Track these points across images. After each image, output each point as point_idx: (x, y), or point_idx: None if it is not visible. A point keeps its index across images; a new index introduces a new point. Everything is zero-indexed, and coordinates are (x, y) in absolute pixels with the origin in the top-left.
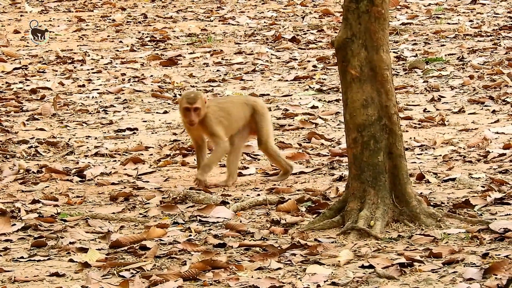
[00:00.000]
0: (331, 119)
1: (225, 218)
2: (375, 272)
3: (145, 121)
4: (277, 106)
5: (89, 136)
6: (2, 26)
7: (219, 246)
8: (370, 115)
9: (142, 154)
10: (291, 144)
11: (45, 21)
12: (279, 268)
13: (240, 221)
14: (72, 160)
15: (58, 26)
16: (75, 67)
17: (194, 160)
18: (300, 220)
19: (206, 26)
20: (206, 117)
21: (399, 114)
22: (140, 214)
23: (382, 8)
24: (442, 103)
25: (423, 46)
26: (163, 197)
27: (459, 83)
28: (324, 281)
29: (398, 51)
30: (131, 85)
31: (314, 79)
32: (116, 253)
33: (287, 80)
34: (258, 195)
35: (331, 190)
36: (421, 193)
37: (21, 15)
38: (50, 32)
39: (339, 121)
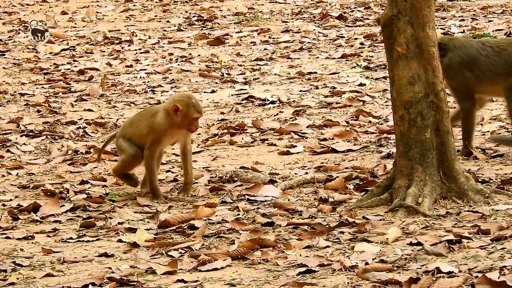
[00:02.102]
0: (378, 97)
1: (273, 196)
2: (423, 249)
3: None
4: (324, 84)
5: None
6: (49, 7)
7: (267, 225)
8: (417, 92)
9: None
10: (339, 122)
11: (92, 1)
12: (327, 246)
13: (288, 200)
14: None
15: (106, 6)
16: (122, 48)
17: (242, 139)
18: (348, 198)
19: (253, 4)
20: None
21: (445, 90)
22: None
23: None
24: None
25: (470, 22)
26: (211, 176)
27: None
28: (372, 259)
29: (445, 27)
30: (178, 64)
31: (361, 56)
32: (165, 233)
33: (334, 58)
34: (306, 173)
35: (378, 168)
36: (469, 169)
37: None
38: (97, 13)
39: (387, 98)
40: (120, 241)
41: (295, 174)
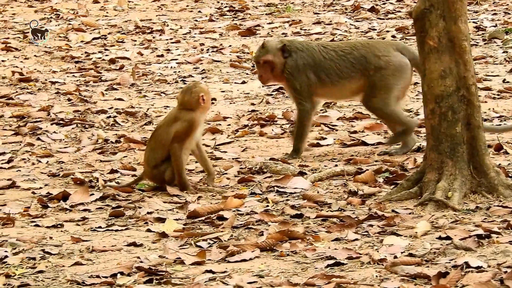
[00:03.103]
0: (409, 90)
1: (302, 188)
2: (453, 244)
3: (223, 91)
4: None
5: (167, 106)
6: None
7: (296, 217)
8: (448, 86)
9: (220, 124)
10: (369, 115)
11: None
12: (356, 239)
13: (318, 192)
14: (150, 130)
15: None
16: (154, 37)
17: (272, 130)
18: (377, 191)
19: None
20: None
21: (477, 84)
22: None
23: None
24: None
25: (503, 16)
26: (241, 167)
27: None
28: (401, 252)
29: (478, 21)
30: (209, 55)
31: None
32: (194, 223)
33: None
34: (336, 165)
35: (408, 161)
36: (499, 164)
37: None
38: (129, 2)
39: (418, 91)
40: (149, 230)
41: (325, 166)
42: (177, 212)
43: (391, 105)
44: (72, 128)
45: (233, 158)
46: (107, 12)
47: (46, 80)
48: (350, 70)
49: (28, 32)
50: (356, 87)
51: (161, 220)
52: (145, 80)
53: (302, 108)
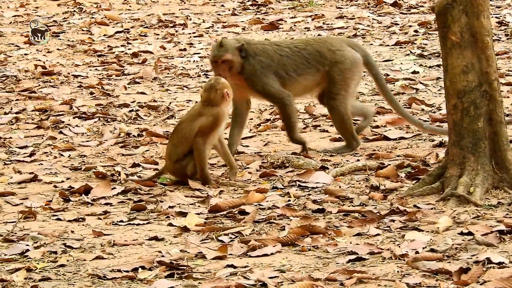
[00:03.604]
0: (431, 85)
1: (324, 183)
2: (474, 239)
3: None
4: None
5: (189, 100)
6: None
7: (318, 212)
8: (470, 81)
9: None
10: (391, 109)
11: None
12: (378, 234)
13: (339, 187)
14: (172, 124)
15: None
16: (176, 31)
17: None
18: (399, 186)
19: None
20: None
21: (499, 80)
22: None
23: None
24: None
25: None
26: (263, 161)
27: None
28: (423, 248)
29: (500, 16)
30: None
31: (415, 44)
32: (215, 217)
33: (388, 45)
34: (358, 160)
35: (430, 156)
36: None
37: None
38: None
39: (440, 86)
40: (170, 225)
41: (347, 161)
42: (198, 206)
43: (348, 107)
44: (94, 122)
45: (255, 153)
46: (130, 6)
47: (68, 73)
48: (306, 66)
49: (51, 26)
50: (313, 82)
51: (183, 214)
52: (168, 74)
53: (281, 102)
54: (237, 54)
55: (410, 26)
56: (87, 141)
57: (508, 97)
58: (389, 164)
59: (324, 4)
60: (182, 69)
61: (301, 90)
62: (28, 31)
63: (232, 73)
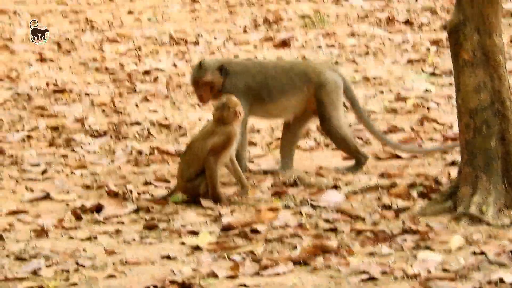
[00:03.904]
0: (443, 103)
1: (336, 202)
2: (487, 259)
3: None
4: (389, 89)
5: (201, 118)
6: (116, 7)
7: (330, 230)
8: (483, 100)
9: (254, 137)
10: (403, 128)
11: (159, 2)
12: (390, 253)
13: (352, 206)
14: (184, 142)
15: (172, 7)
16: (188, 48)
17: (306, 143)
18: (411, 205)
19: (319, 7)
20: None
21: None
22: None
23: None
24: None
25: None
26: (275, 180)
27: None
28: (435, 267)
29: None
30: None
31: (427, 62)
32: (227, 236)
33: (399, 63)
34: (370, 179)
35: (443, 175)
36: None
37: None
38: (164, 13)
39: (452, 105)
40: (182, 243)
41: (359, 179)
42: (210, 225)
43: (344, 126)
44: (106, 140)
45: (266, 171)
46: (141, 23)
47: (80, 91)
48: (291, 87)
49: (62, 43)
50: (298, 103)
51: (195, 233)
52: (180, 91)
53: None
54: (217, 74)
55: (422, 44)
56: (99, 159)
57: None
58: (401, 183)
59: (335, 22)
60: None
61: (283, 111)
62: (40, 49)
63: (213, 92)
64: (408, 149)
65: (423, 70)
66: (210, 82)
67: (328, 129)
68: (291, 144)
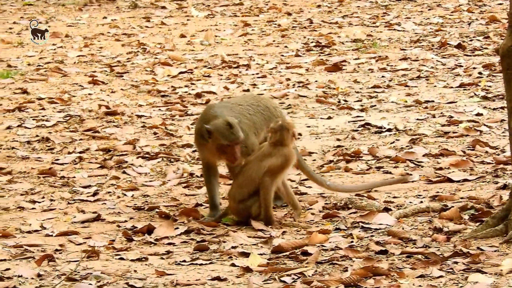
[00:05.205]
0: (496, 127)
1: (387, 224)
2: None
3: (309, 126)
4: (441, 113)
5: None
6: (168, 30)
7: (381, 253)
8: None
9: (306, 159)
10: (455, 152)
11: (211, 25)
12: (441, 276)
13: (403, 228)
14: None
15: (224, 30)
16: (240, 72)
17: (357, 166)
18: (463, 228)
19: (371, 31)
20: None
21: None
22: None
23: None
24: None
25: None
26: (326, 202)
27: None
28: None
29: None
30: (295, 90)
31: (479, 86)
32: (278, 258)
33: (452, 87)
34: (421, 202)
35: (494, 198)
36: None
37: (188, 20)
38: (216, 36)
39: (504, 128)
40: (233, 265)
41: (410, 202)
42: (261, 246)
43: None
44: (158, 162)
45: (318, 194)
46: (193, 47)
47: (132, 113)
48: (263, 122)
49: (115, 66)
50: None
51: (246, 254)
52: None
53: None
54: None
55: (474, 68)
56: (150, 181)
57: None
58: (453, 206)
59: (387, 46)
60: None
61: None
62: (92, 71)
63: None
64: (334, 187)
65: (475, 94)
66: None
67: None
68: None
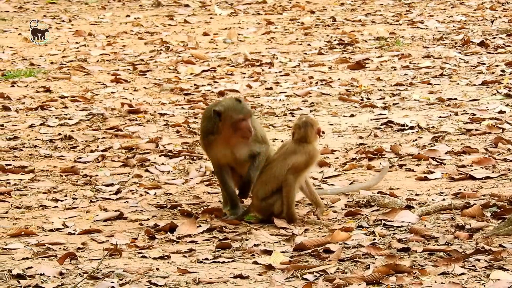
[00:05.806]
0: None
1: (409, 222)
2: None
3: (332, 124)
4: (464, 110)
5: (275, 139)
6: (191, 28)
7: (403, 250)
8: None
9: (328, 157)
10: (478, 149)
11: (234, 23)
12: (463, 274)
13: (425, 226)
14: None
15: (247, 28)
16: (263, 70)
17: (380, 164)
18: (485, 226)
19: (394, 29)
20: None
21: None
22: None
23: None
24: None
25: None
26: (348, 200)
27: None
28: (508, 287)
29: None
30: (318, 88)
31: (502, 83)
32: (300, 255)
33: (474, 85)
34: (443, 199)
35: None
36: None
37: (211, 18)
38: (239, 34)
39: None
40: (255, 263)
41: (432, 200)
42: (283, 244)
43: None
44: (180, 160)
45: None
46: (216, 45)
47: (155, 112)
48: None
49: (138, 64)
50: None
51: (268, 252)
52: (254, 112)
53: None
54: None
55: (497, 65)
56: (173, 179)
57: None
58: (475, 204)
59: (411, 44)
60: (268, 108)
61: None
62: (115, 70)
63: None
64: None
65: (498, 92)
66: None
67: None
68: None
